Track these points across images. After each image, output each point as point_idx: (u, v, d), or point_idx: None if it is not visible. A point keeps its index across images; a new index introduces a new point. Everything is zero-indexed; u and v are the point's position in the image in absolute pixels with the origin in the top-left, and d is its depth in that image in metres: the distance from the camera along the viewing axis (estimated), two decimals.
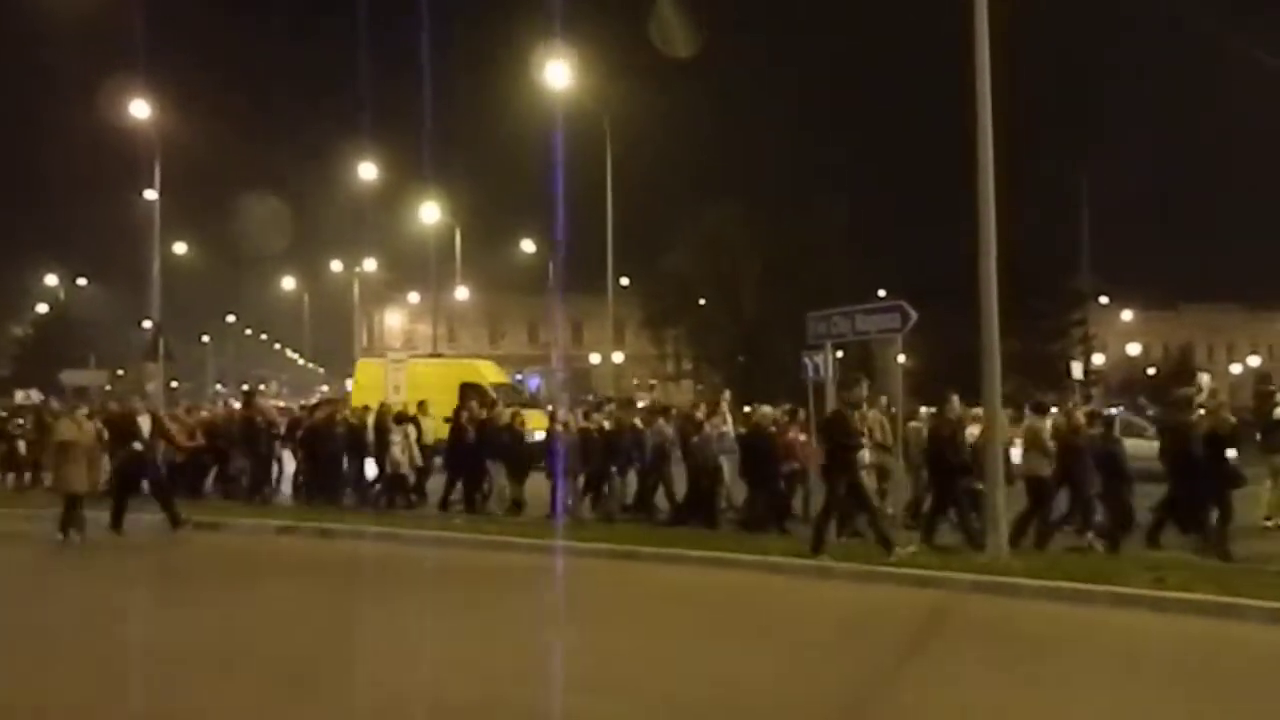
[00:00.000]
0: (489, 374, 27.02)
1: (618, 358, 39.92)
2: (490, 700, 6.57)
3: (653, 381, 56.08)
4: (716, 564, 11.19)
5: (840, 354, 15.34)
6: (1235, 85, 75.84)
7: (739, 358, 46.54)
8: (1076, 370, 40.03)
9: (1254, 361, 78.46)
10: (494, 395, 22.04)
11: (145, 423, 13.80)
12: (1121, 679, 7.09)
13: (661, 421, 15.13)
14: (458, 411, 16.42)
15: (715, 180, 48.12)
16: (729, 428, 14.91)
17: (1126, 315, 71.59)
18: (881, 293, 35.60)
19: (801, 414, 14.66)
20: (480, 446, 15.44)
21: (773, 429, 14.03)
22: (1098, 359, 56.36)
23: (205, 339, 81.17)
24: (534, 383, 73.04)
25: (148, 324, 32.82)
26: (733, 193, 46.66)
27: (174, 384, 44.48)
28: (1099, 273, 49.18)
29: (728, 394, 17.97)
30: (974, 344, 11.35)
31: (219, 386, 76.76)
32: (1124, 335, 70.19)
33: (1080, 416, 12.69)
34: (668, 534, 12.97)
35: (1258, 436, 14.52)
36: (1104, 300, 61.42)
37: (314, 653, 7.75)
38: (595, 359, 58.75)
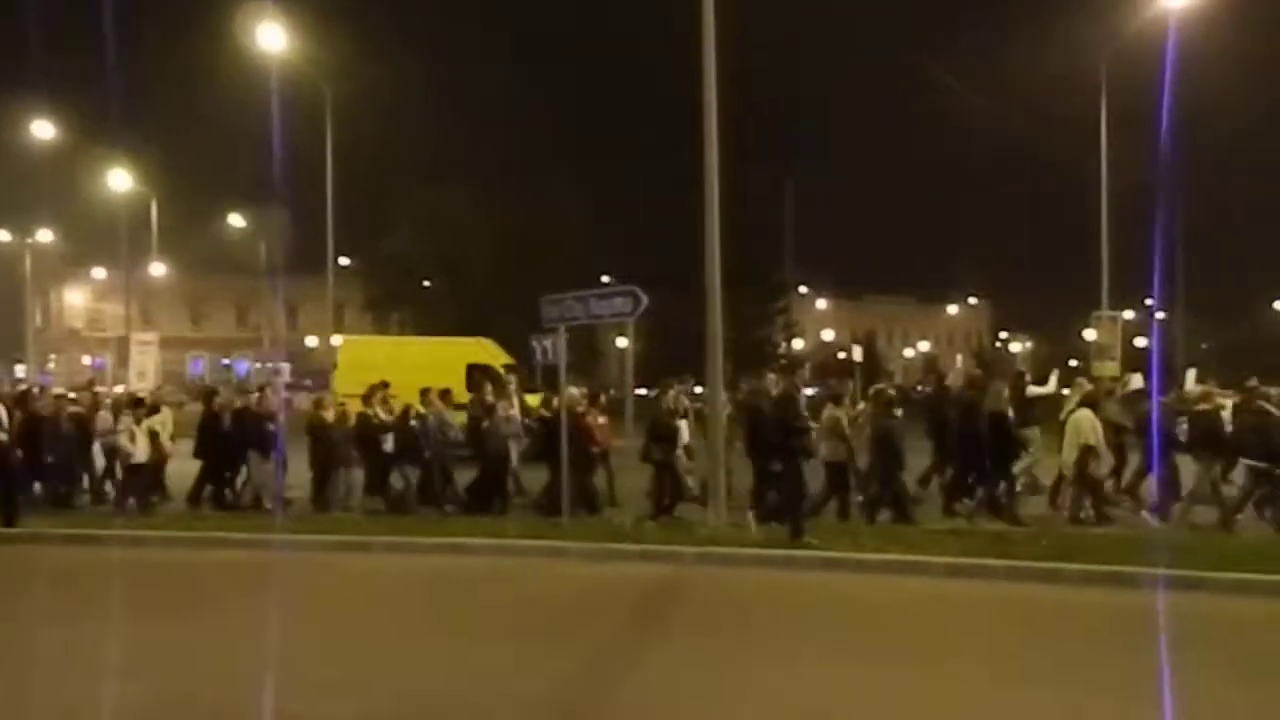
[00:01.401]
0: (496, 354, 22.74)
1: (337, 341, 38.22)
2: (212, 706, 6.13)
3: None
4: (451, 550, 11.09)
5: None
6: (917, 103, 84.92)
7: None
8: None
9: (924, 346, 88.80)
10: (507, 378, 17.92)
11: None
12: (816, 631, 7.87)
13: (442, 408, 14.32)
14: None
15: (443, 160, 47.12)
16: (516, 411, 14.72)
17: (822, 304, 78.42)
18: (605, 279, 36.68)
19: (602, 397, 14.72)
20: (237, 435, 14.17)
21: (578, 411, 13.76)
22: (798, 344, 61.35)
23: None
24: (241, 367, 68.50)
25: None
26: (461, 174, 46.07)
27: None
28: (800, 265, 53.50)
29: (514, 378, 17.48)
30: (692, 329, 11.98)
31: None
32: (820, 322, 76.87)
33: (888, 395, 13.01)
34: (399, 523, 12.65)
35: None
36: (803, 290, 66.95)
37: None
38: (312, 342, 55.86)
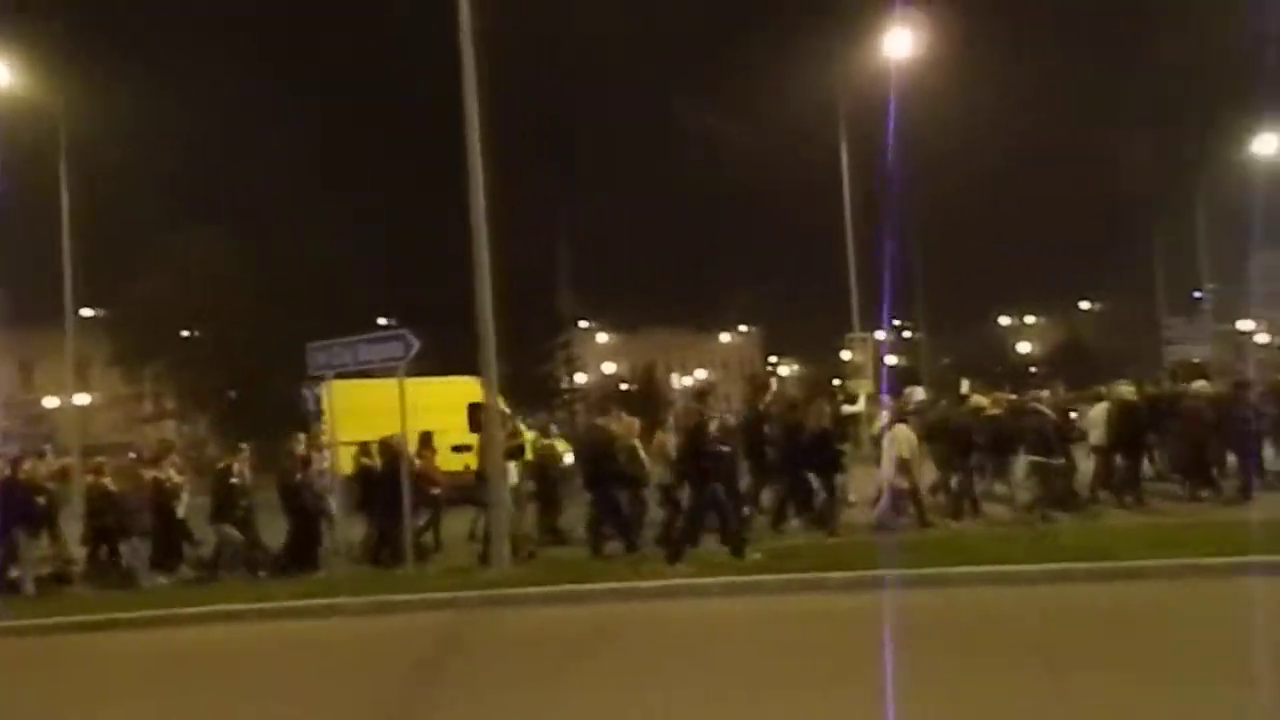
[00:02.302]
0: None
1: (83, 399, 34.92)
2: None
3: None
4: (225, 619, 10.38)
5: None
6: (685, 140, 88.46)
7: (229, 393, 43.37)
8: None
9: (701, 374, 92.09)
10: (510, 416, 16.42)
11: None
12: (615, 663, 7.93)
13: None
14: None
15: (200, 199, 43.97)
16: (328, 464, 13.88)
17: (602, 337, 79.74)
18: (383, 320, 35.66)
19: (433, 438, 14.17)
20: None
21: (417, 459, 13.26)
22: (580, 377, 62.03)
23: None
24: None
25: None
26: (220, 213, 43.32)
27: None
28: (582, 301, 54.27)
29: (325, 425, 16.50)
30: (475, 366, 11.92)
31: None
32: (601, 355, 78.04)
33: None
34: (153, 595, 11.72)
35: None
36: (584, 324, 67.88)
37: None
38: (52, 402, 50.68)
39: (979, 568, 9.76)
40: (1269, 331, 45.60)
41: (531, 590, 10.36)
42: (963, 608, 8.77)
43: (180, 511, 13.14)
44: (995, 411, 13.76)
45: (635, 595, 10.03)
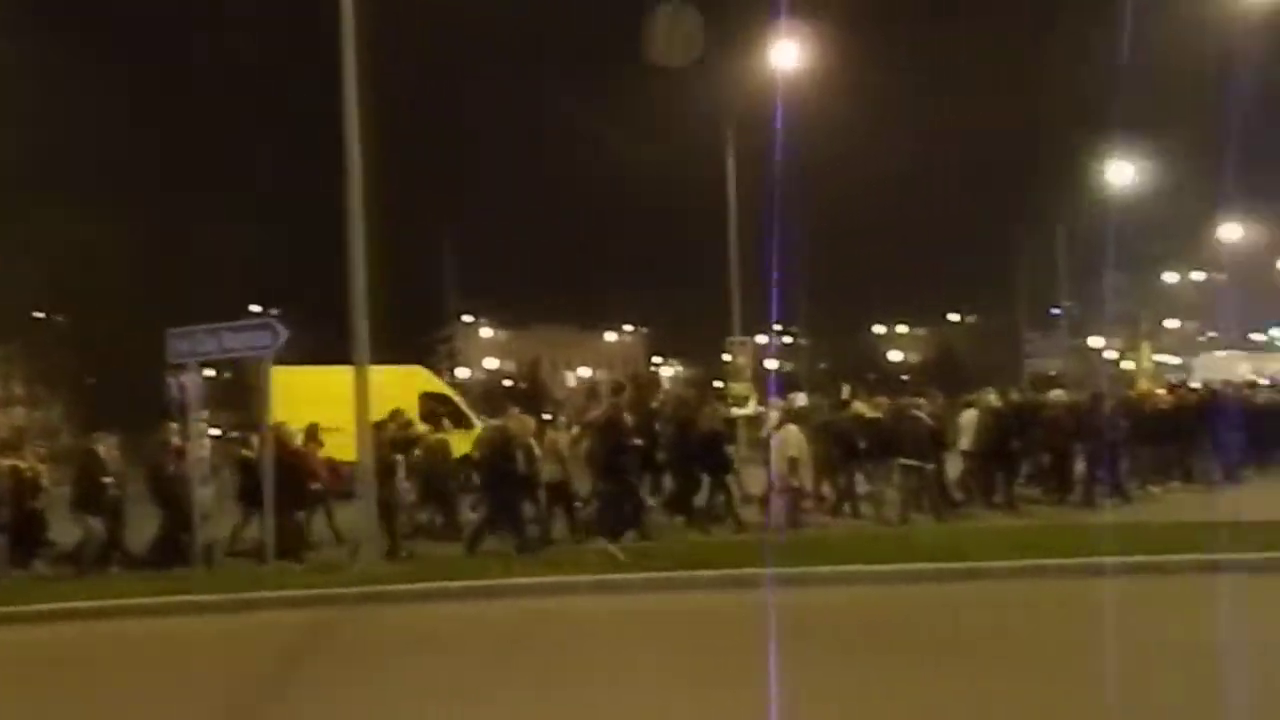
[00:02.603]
0: (439, 382, 21.70)
1: None
2: None
3: None
4: (80, 616, 9.85)
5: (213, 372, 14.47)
6: (574, 140, 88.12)
7: (87, 379, 41.13)
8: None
9: (585, 372, 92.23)
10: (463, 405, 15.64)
11: None
12: (469, 661, 7.85)
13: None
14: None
15: (54, 180, 41.31)
16: (208, 454, 13.19)
17: (487, 333, 78.88)
18: (256, 308, 34.46)
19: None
20: None
21: (302, 448, 12.73)
22: (463, 372, 61.27)
23: None
24: None
25: None
26: (84, 187, 40.85)
27: None
28: (466, 295, 53.59)
29: (205, 414, 15.66)
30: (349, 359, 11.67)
31: None
32: (485, 351, 77.23)
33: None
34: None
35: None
36: (468, 319, 67.05)
37: None
38: None
39: (841, 567, 10.11)
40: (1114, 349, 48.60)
41: (399, 588, 10.21)
42: (817, 606, 9.02)
43: (41, 502, 12.31)
44: (875, 416, 14.35)
45: (506, 593, 10.00)
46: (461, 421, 15.52)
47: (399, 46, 24.83)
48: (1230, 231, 42.56)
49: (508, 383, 67.40)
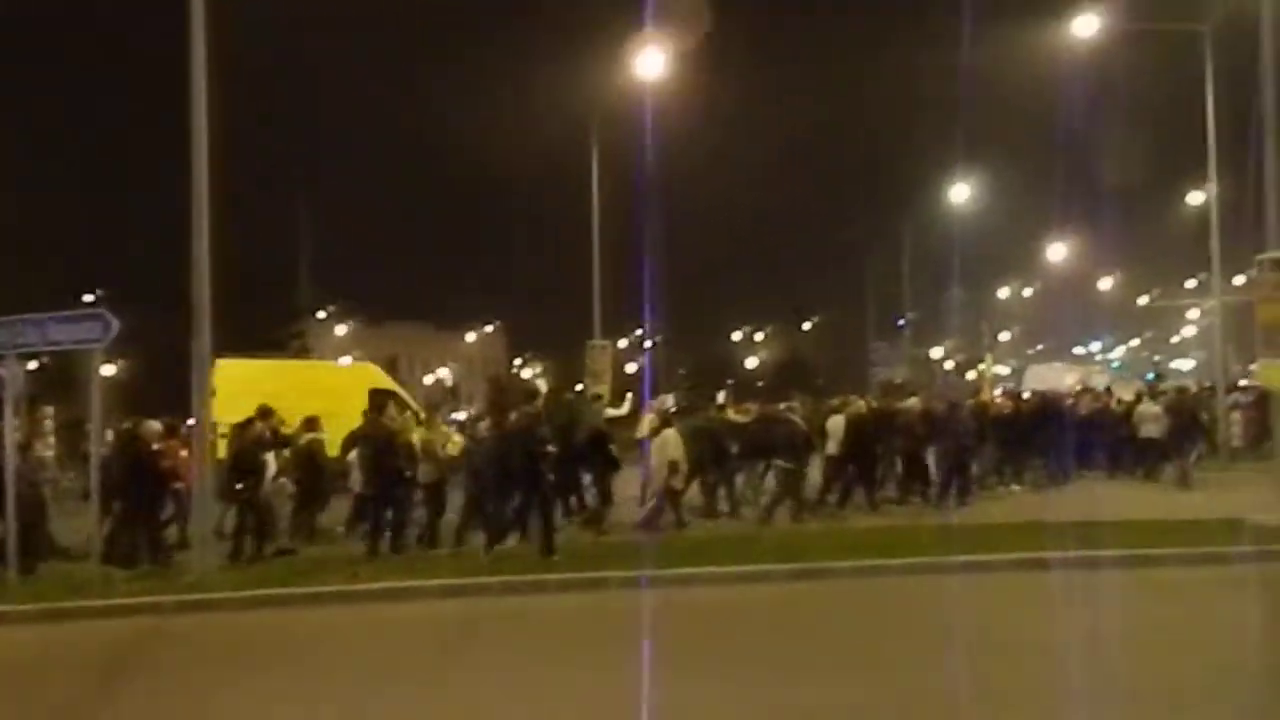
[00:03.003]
0: (386, 379, 22.97)
1: None
2: None
3: None
4: None
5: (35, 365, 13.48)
6: (430, 134, 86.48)
7: None
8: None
9: (443, 372, 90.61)
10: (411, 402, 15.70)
11: None
12: (303, 671, 7.55)
13: None
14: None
15: None
16: (52, 452, 12.02)
17: (341, 329, 76.37)
18: (89, 298, 32.21)
19: (183, 429, 12.72)
20: None
21: (157, 447, 11.89)
22: None
23: None
24: None
25: None
26: None
27: None
28: (321, 290, 51.70)
29: (51, 410, 14.34)
30: (188, 352, 11.09)
31: None
32: (340, 348, 74.73)
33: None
34: None
35: None
36: (322, 315, 64.78)
37: None
38: None
39: (695, 569, 10.23)
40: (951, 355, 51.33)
41: (232, 595, 9.74)
42: (667, 606, 9.08)
43: None
44: (745, 420, 14.91)
45: (351, 599, 9.69)
46: (408, 414, 15.65)
47: (253, 30, 23.75)
48: (1055, 251, 45.55)
49: None
